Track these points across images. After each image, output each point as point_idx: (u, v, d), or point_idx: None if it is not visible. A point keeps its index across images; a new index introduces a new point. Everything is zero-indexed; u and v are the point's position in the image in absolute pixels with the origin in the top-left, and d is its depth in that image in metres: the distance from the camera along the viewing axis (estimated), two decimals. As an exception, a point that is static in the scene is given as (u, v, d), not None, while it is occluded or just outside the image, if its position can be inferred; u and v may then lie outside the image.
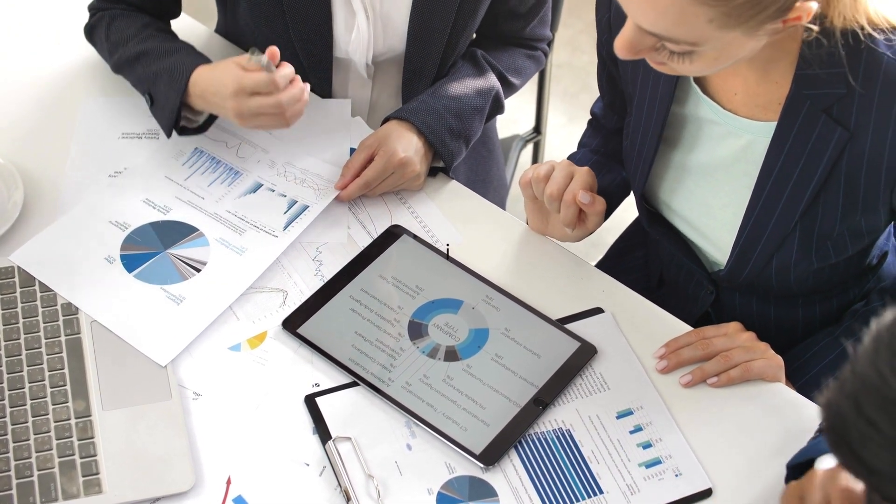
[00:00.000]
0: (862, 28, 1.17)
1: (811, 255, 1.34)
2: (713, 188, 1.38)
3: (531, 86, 2.13)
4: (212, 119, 1.57)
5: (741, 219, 1.35)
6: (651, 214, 1.47)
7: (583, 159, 1.55)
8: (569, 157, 1.55)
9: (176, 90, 1.48)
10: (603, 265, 1.64)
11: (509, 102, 2.05)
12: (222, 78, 1.44)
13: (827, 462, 1.16)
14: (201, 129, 1.56)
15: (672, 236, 1.47)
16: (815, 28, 1.16)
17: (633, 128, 1.42)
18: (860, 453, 0.76)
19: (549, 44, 1.80)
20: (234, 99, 1.42)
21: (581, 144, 1.63)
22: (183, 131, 1.54)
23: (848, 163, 1.26)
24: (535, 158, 2.27)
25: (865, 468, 0.77)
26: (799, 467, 1.20)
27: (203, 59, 1.52)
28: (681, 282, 1.55)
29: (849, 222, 1.31)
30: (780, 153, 1.28)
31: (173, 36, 1.62)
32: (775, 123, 1.28)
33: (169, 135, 1.53)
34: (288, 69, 1.43)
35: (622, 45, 1.16)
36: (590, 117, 1.64)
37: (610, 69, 1.48)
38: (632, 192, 1.51)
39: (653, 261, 1.65)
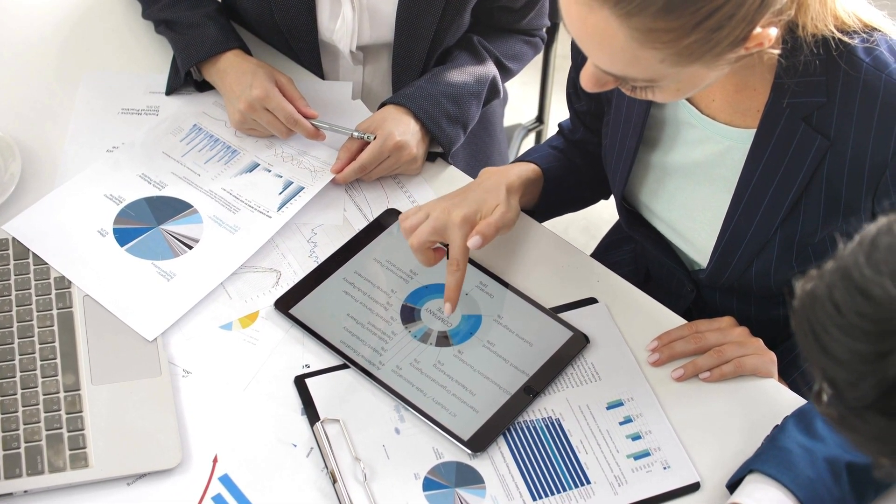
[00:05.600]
0: (832, 34, 1.16)
1: (791, 260, 1.33)
2: (693, 191, 1.37)
3: (535, 75, 2.12)
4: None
5: (721, 223, 1.34)
6: (631, 215, 1.47)
7: (540, 150, 1.53)
8: (527, 150, 1.54)
9: (196, 57, 1.55)
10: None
11: (513, 91, 2.04)
12: (251, 79, 1.50)
13: (745, 489, 1.18)
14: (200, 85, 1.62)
15: (652, 237, 1.47)
16: (776, 52, 1.14)
17: (612, 129, 1.41)
18: (820, 335, 0.79)
19: (549, 30, 1.79)
20: (248, 103, 1.49)
21: (544, 143, 1.61)
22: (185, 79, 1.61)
23: (829, 170, 1.24)
24: (538, 147, 2.26)
25: (821, 349, 0.79)
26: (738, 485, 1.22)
27: (233, 37, 1.57)
28: (663, 279, 1.54)
29: (830, 228, 1.30)
30: (760, 161, 1.27)
31: None
32: (754, 131, 1.26)
33: (168, 93, 1.60)
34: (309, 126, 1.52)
35: (587, 80, 1.16)
36: (557, 129, 1.62)
37: None
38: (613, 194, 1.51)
39: (640, 256, 1.64)
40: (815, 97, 1.20)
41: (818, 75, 1.19)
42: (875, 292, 0.76)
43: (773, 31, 1.08)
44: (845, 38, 1.17)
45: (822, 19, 1.15)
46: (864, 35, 1.18)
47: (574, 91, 1.51)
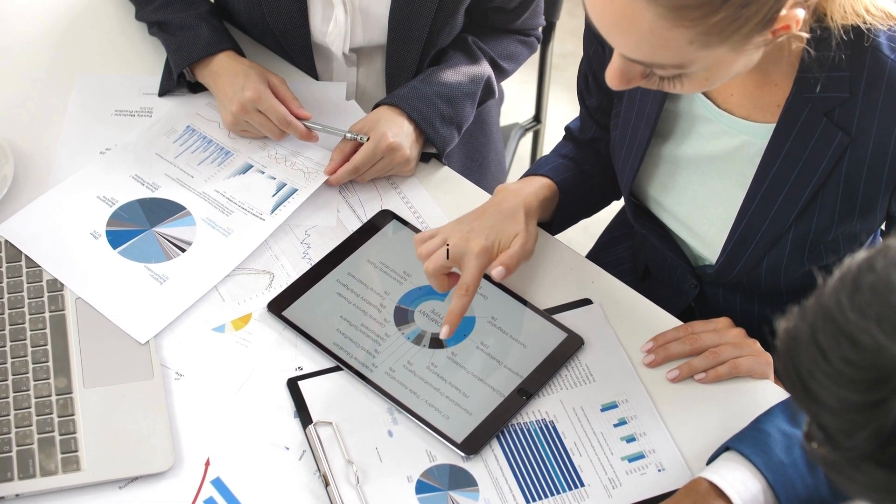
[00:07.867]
0: (864, 22, 1.15)
1: (803, 258, 1.32)
2: (705, 185, 1.36)
3: (532, 74, 2.12)
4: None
5: (734, 218, 1.34)
6: (638, 208, 1.46)
7: (550, 161, 1.51)
8: (537, 162, 1.52)
9: (188, 58, 1.55)
10: (590, 258, 1.62)
11: (510, 90, 2.04)
12: (244, 81, 1.50)
13: (715, 466, 1.18)
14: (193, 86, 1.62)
15: (658, 231, 1.46)
16: (806, 36, 1.13)
17: (623, 122, 1.40)
18: (806, 381, 0.76)
19: (546, 29, 1.79)
20: (240, 104, 1.49)
21: (552, 152, 1.60)
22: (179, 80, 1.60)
23: (848, 167, 1.24)
24: (534, 147, 2.26)
25: (809, 395, 0.76)
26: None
27: (226, 38, 1.57)
28: (665, 274, 1.53)
29: (845, 226, 1.29)
30: (778, 156, 1.26)
31: None
32: (773, 126, 1.25)
33: (161, 94, 1.60)
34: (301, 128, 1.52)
35: (613, 76, 1.14)
36: (564, 133, 1.60)
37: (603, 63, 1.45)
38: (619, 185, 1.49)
39: (639, 252, 1.63)
40: (838, 92, 1.20)
41: (842, 70, 1.18)
42: (862, 339, 0.73)
43: (801, 13, 1.07)
44: (870, 34, 1.16)
45: (850, 8, 1.14)
46: (890, 31, 1.17)
47: (586, 86, 1.49)
